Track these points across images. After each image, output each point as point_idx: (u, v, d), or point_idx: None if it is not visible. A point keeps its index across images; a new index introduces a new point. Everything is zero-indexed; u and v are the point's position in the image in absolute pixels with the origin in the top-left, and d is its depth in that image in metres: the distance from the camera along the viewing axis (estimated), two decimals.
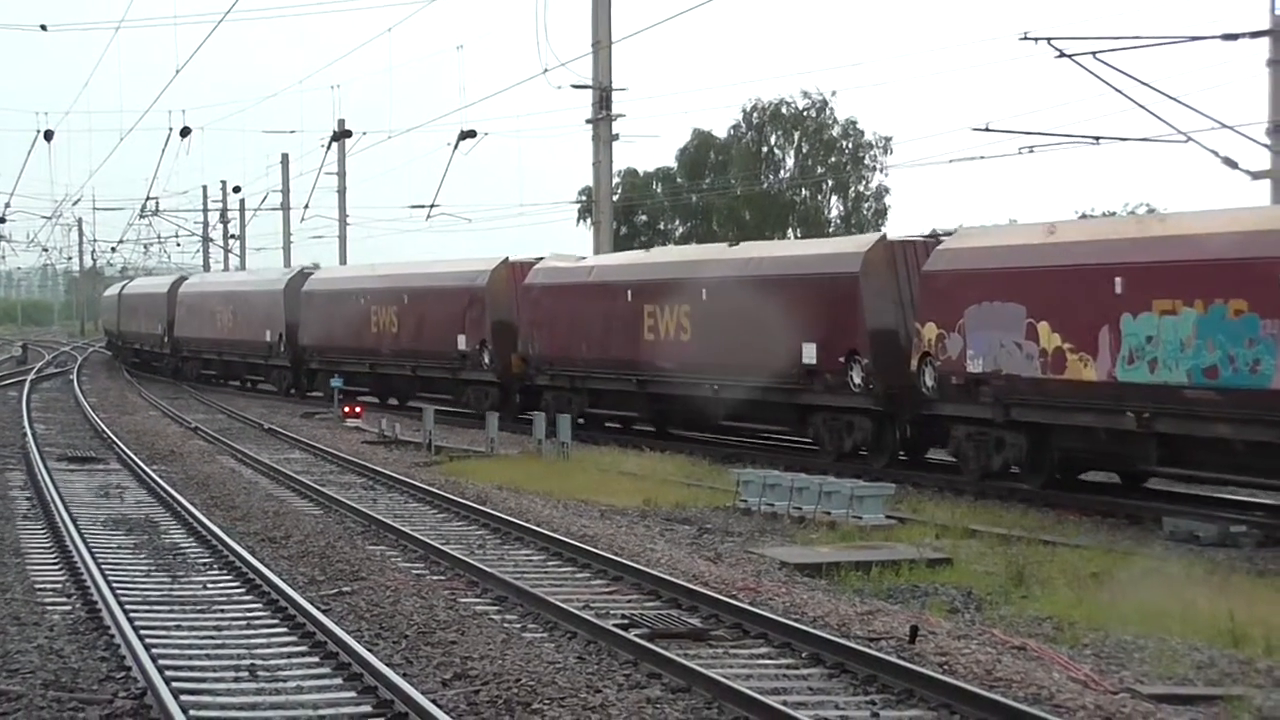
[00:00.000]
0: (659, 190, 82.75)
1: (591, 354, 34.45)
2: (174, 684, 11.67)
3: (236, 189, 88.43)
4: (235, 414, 43.55)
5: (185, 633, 13.90)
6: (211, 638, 13.70)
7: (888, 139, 78.21)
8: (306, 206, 68.91)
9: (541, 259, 38.60)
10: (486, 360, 38.49)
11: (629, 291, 33.23)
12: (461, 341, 39.36)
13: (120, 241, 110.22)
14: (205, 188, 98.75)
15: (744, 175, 77.15)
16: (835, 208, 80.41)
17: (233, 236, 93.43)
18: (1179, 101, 28.11)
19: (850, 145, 79.36)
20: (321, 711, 11.25)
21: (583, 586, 16.44)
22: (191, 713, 10.97)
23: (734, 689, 11.40)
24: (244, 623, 14.35)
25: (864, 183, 79.98)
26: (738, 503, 22.87)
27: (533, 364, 36.86)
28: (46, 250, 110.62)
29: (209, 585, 16.37)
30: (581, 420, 34.30)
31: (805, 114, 78.91)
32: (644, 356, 32.43)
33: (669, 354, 31.66)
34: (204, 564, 17.79)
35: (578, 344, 34.96)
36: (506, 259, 39.08)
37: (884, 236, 28.12)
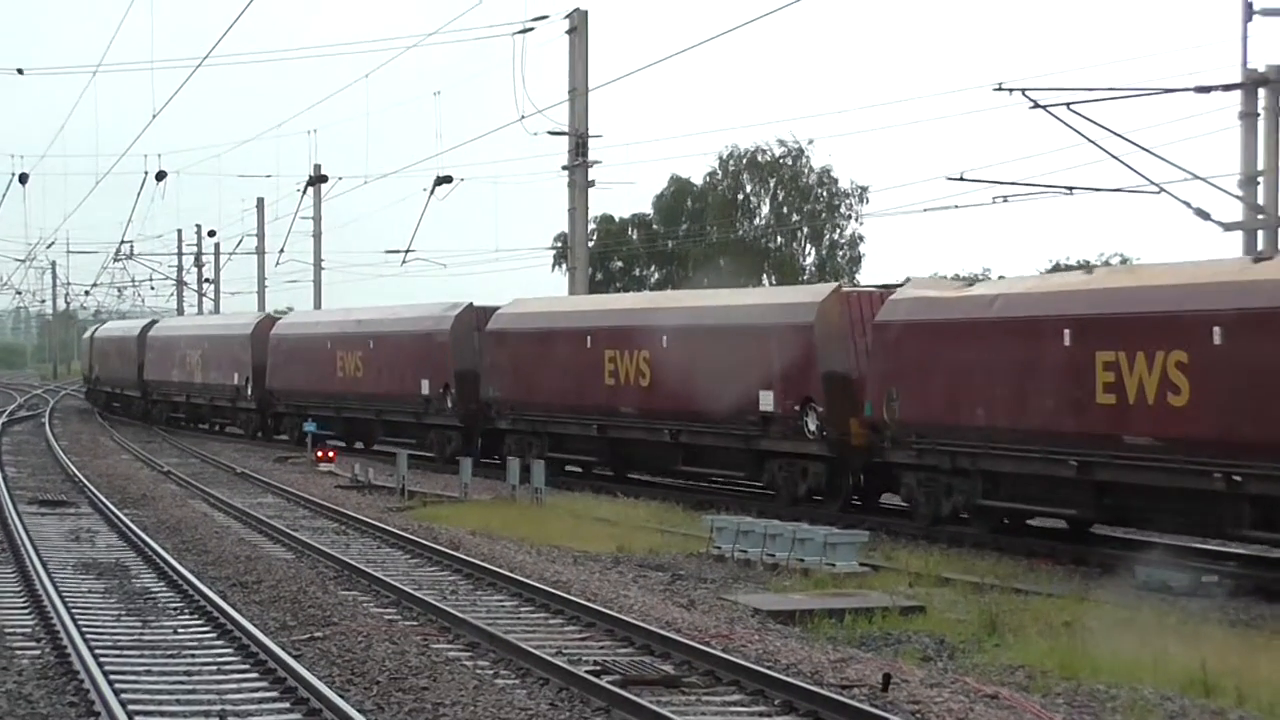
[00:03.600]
0: (634, 236, 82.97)
1: (995, 420, 23.98)
2: None
3: (211, 233, 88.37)
4: (208, 458, 43.39)
5: (155, 678, 13.82)
6: (182, 683, 13.63)
7: (863, 188, 78.68)
8: (282, 251, 68.79)
9: (888, 285, 29.00)
10: (811, 426, 27.60)
11: (1068, 332, 22.63)
12: (766, 399, 28.50)
13: (94, 285, 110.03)
14: (180, 231, 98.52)
15: (719, 222, 77.41)
16: (810, 255, 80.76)
17: (207, 280, 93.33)
18: (1152, 153, 28.29)
19: (825, 193, 79.74)
20: None
21: (555, 633, 16.40)
22: None
23: None
24: (215, 668, 14.27)
25: (838, 231, 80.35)
26: (711, 549, 22.85)
27: (890, 433, 26.03)
28: (20, 293, 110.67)
29: (180, 630, 16.29)
30: (964, 516, 25.20)
31: (781, 162, 79.31)
32: (1094, 426, 22.04)
33: (1145, 423, 21.31)
34: (175, 609, 17.70)
35: (968, 405, 24.41)
36: (839, 287, 29.33)
37: None
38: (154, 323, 68.57)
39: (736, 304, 31.42)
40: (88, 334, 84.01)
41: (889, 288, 28.19)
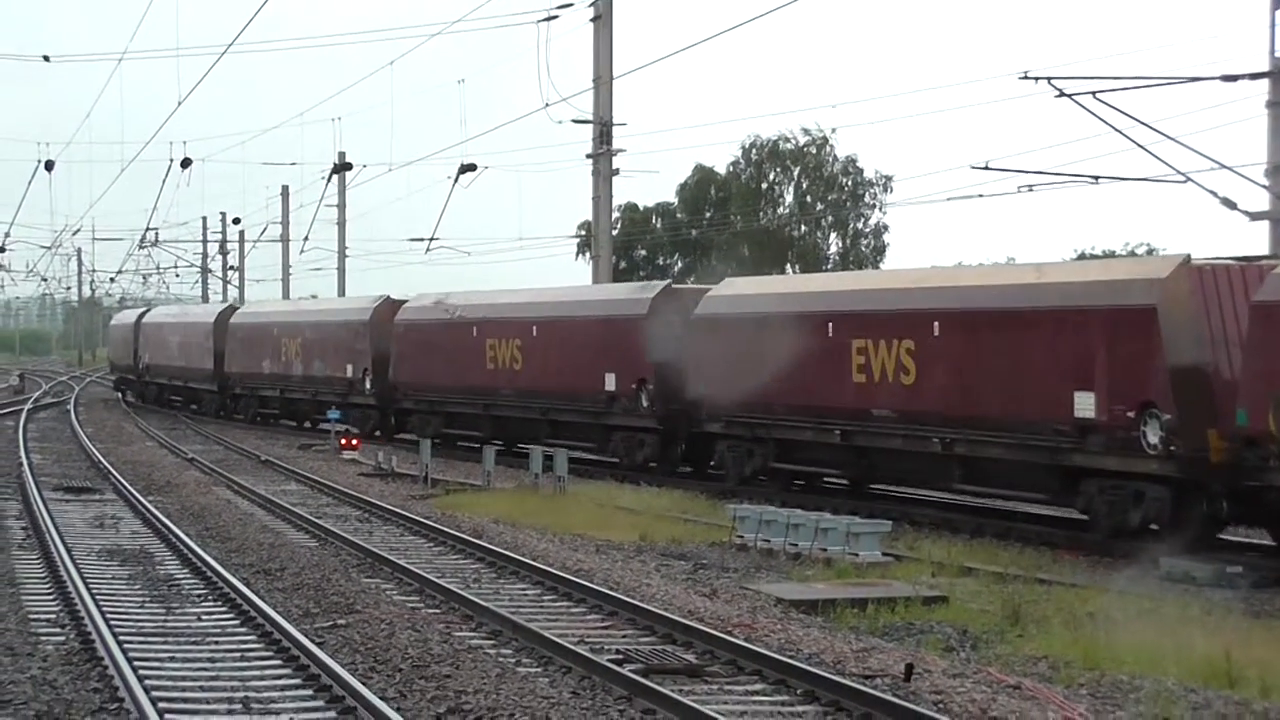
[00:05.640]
0: (658, 225, 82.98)
1: None
2: (167, 716, 11.66)
3: (236, 220, 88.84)
4: (232, 445, 43.50)
5: (179, 665, 13.87)
6: (205, 670, 13.67)
7: (888, 177, 78.60)
8: (306, 239, 68.99)
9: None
10: (1151, 438, 21.53)
11: None
12: (1084, 403, 22.48)
13: (119, 272, 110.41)
14: (205, 219, 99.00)
15: (743, 211, 77.35)
16: (834, 244, 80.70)
17: (232, 268, 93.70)
18: (1178, 142, 28.17)
19: (850, 182, 79.66)
20: None
21: (578, 621, 16.42)
22: None
23: None
24: (238, 655, 14.31)
25: (863, 220, 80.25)
26: (734, 538, 22.85)
27: (1276, 449, 19.88)
28: (45, 280, 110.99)
29: (203, 617, 16.34)
30: None
31: (805, 150, 79.21)
32: None
33: None
34: (199, 596, 17.76)
35: None
36: (1187, 258, 22.03)
37: None
38: (233, 308, 61.22)
39: (1042, 282, 24.36)
40: (129, 319, 74.22)
41: (1253, 260, 22.40)
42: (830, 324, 27.64)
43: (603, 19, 40.07)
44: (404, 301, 45.01)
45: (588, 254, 56.70)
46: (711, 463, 32.05)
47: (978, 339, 24.63)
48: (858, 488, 29.01)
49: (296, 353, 50.37)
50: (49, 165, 55.61)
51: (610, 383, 33.97)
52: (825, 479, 29.71)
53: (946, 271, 27.15)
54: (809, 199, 79.75)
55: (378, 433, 44.40)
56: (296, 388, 50.76)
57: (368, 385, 45.21)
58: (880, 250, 79.83)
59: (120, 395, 72.14)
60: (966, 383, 24.71)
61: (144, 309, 77.03)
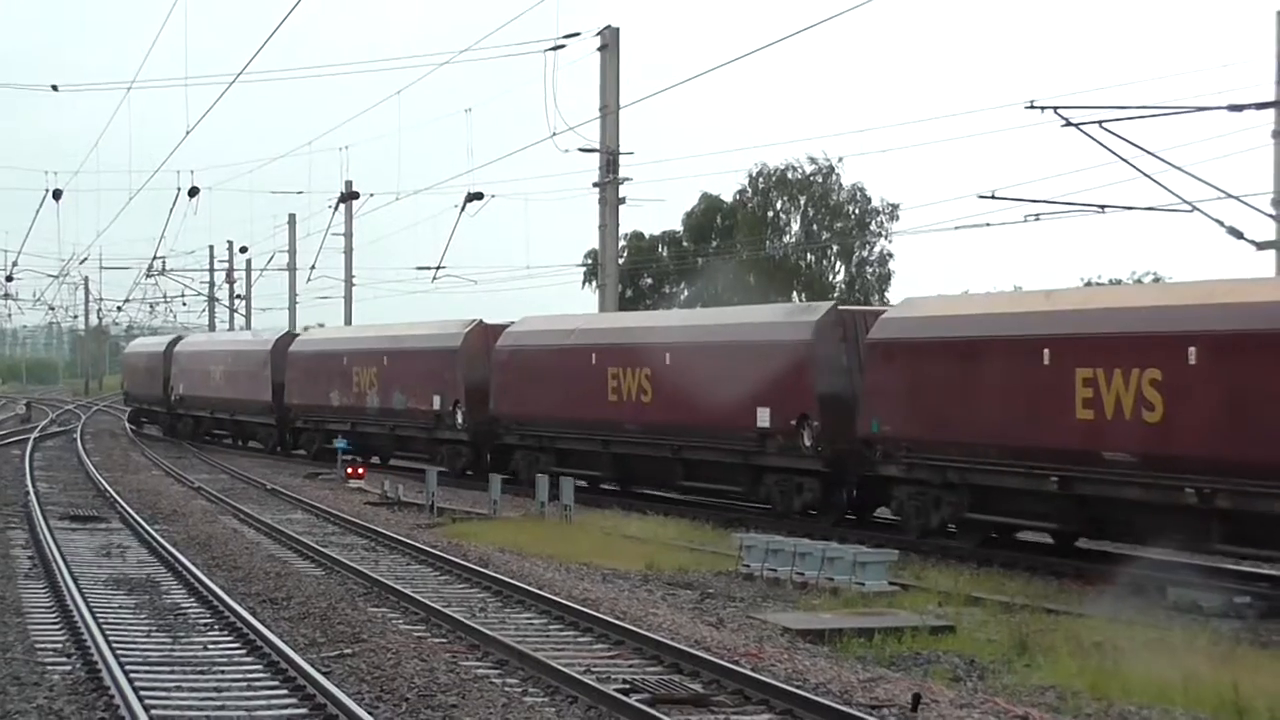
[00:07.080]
0: (664, 254, 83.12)
1: None
2: None
3: (243, 249, 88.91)
4: (238, 474, 43.51)
5: (185, 694, 13.86)
6: (211, 699, 13.66)
7: (894, 206, 78.66)
8: (313, 267, 69.08)
9: None
10: None
11: None
12: None
13: (126, 300, 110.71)
14: (212, 248, 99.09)
15: (749, 240, 77.45)
16: (840, 273, 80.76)
17: (238, 296, 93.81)
18: (1185, 171, 28.23)
19: (856, 211, 79.74)
20: None
21: (584, 651, 16.40)
22: None
23: None
24: (244, 684, 14.30)
25: (868, 248, 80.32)
26: (740, 567, 22.83)
27: None
28: (53, 309, 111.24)
29: (210, 646, 16.33)
30: None
31: (811, 179, 79.36)
32: None
33: None
34: (205, 625, 17.75)
35: None
36: None
37: None
38: (292, 335, 56.65)
39: None
40: (154, 346, 70.29)
41: None
42: (1047, 350, 23.30)
43: (609, 48, 40.20)
44: (498, 326, 40.50)
45: (594, 282, 56.79)
46: (883, 509, 28.48)
47: (1252, 367, 20.22)
48: (1067, 545, 25.06)
49: (371, 383, 45.54)
50: (57, 194, 55.75)
51: (764, 418, 29.45)
52: (1020, 532, 25.98)
53: (1204, 286, 22.32)
54: (815, 228, 79.86)
55: (469, 472, 39.97)
56: (371, 421, 45.62)
57: (459, 419, 40.54)
58: (886, 279, 79.96)
59: (133, 428, 69.10)
60: (1235, 421, 20.34)
61: (175, 336, 72.17)
